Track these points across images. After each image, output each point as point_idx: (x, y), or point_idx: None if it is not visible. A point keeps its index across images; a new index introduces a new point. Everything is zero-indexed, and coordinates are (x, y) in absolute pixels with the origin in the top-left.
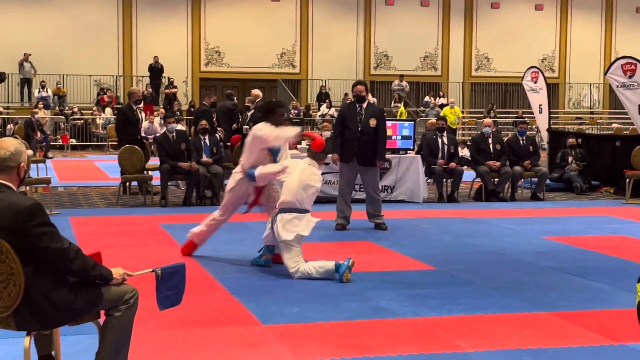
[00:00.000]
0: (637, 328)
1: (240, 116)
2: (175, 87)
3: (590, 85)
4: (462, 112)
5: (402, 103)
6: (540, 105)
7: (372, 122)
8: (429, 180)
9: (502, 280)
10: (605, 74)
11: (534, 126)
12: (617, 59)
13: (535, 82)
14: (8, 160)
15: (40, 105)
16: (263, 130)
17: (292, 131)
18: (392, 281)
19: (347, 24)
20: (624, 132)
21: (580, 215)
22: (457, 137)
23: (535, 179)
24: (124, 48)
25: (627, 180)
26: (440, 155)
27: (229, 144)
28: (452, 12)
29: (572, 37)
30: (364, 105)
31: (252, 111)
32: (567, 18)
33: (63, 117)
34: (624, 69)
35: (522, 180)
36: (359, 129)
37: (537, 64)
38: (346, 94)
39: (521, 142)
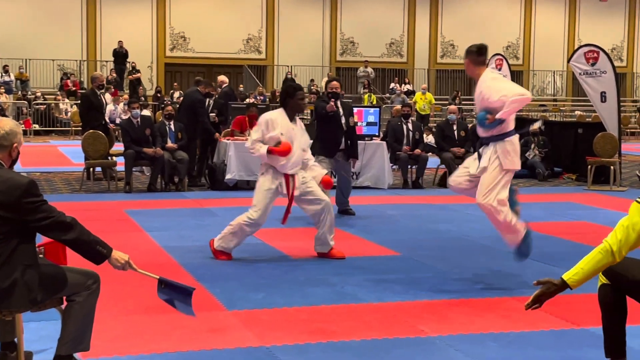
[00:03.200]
0: (599, 312)
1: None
2: (138, 71)
3: (554, 72)
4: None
5: (369, 90)
6: None
7: (352, 121)
8: (394, 167)
9: (466, 266)
10: (568, 61)
11: None
12: (580, 46)
13: (500, 69)
14: (2, 139)
15: (2, 90)
16: (272, 118)
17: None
18: (357, 267)
19: (313, 10)
20: (587, 119)
21: (543, 202)
22: (429, 124)
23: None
24: (87, 32)
25: (589, 166)
26: (405, 141)
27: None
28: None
29: (537, 24)
30: (338, 102)
31: (215, 97)
32: (532, 5)
33: (26, 102)
34: (587, 57)
35: None
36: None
37: (502, 51)
38: (312, 80)
39: None
